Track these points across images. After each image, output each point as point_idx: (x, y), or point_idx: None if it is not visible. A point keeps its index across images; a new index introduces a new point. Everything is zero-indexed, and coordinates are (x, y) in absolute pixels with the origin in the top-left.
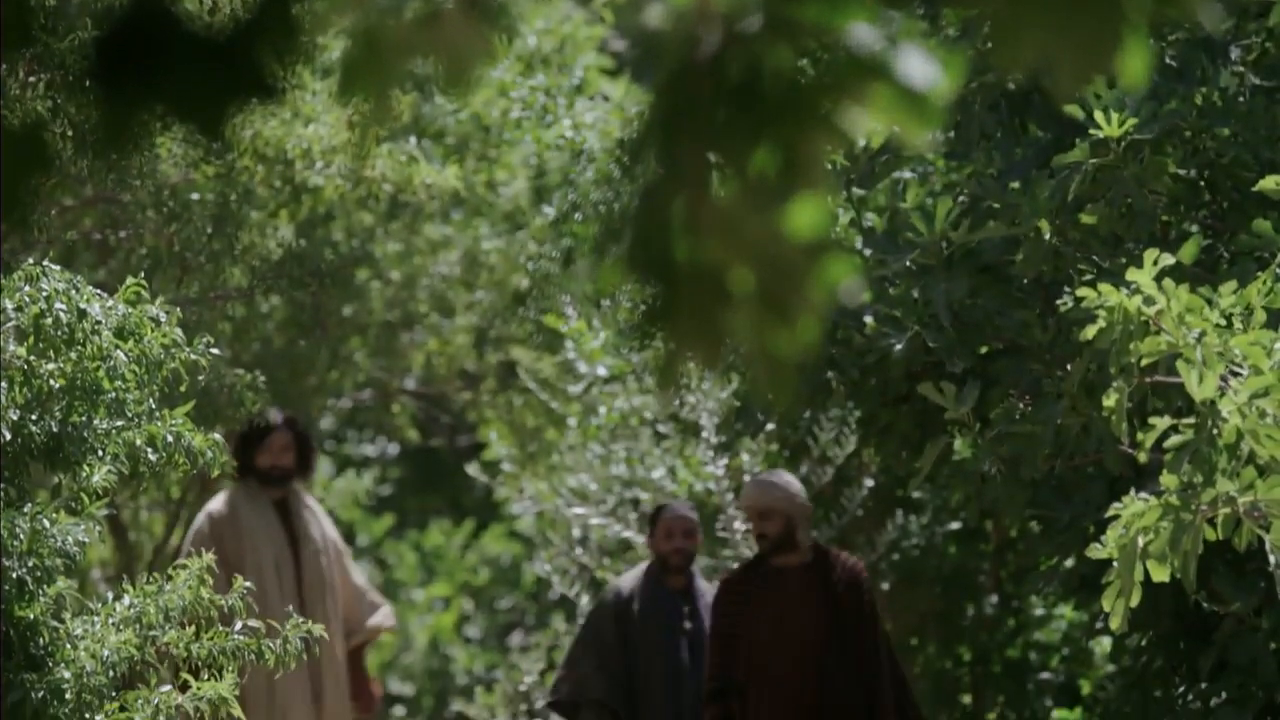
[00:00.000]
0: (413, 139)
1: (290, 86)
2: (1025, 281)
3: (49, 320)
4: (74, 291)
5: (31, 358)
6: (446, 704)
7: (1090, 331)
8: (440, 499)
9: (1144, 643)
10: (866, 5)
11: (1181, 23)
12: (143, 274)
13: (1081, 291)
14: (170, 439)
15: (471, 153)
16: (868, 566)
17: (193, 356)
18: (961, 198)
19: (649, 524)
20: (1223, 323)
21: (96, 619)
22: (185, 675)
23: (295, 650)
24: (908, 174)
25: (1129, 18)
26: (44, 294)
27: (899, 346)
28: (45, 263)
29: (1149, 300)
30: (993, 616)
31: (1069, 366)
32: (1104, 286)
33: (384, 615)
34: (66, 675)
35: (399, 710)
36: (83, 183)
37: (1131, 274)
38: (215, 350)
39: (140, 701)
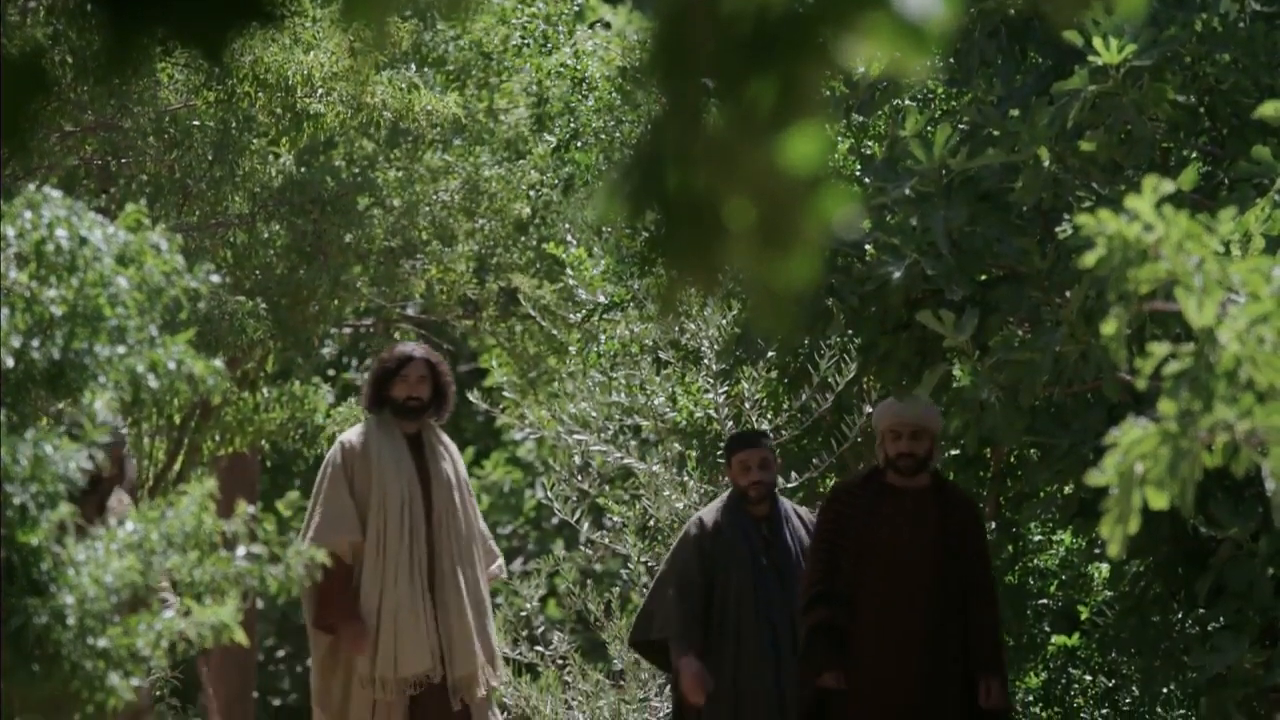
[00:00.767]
0: (413, 66)
1: (290, 12)
2: (1024, 209)
3: (50, 247)
4: (75, 218)
5: (33, 284)
6: None
7: (1089, 259)
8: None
9: (1142, 568)
10: None
11: None
12: (144, 201)
13: (1080, 219)
14: (172, 366)
15: (472, 80)
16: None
17: (193, 284)
18: (961, 125)
19: (725, 457)
20: (1222, 249)
21: (99, 544)
22: (187, 600)
23: (297, 576)
24: (907, 101)
25: None
26: (45, 220)
27: (898, 274)
28: (46, 189)
29: (1148, 227)
30: (991, 542)
31: (1068, 294)
32: (1103, 213)
33: (498, 567)
34: (69, 600)
35: None
36: (84, 109)
37: (1130, 201)
38: (216, 277)
39: (143, 626)
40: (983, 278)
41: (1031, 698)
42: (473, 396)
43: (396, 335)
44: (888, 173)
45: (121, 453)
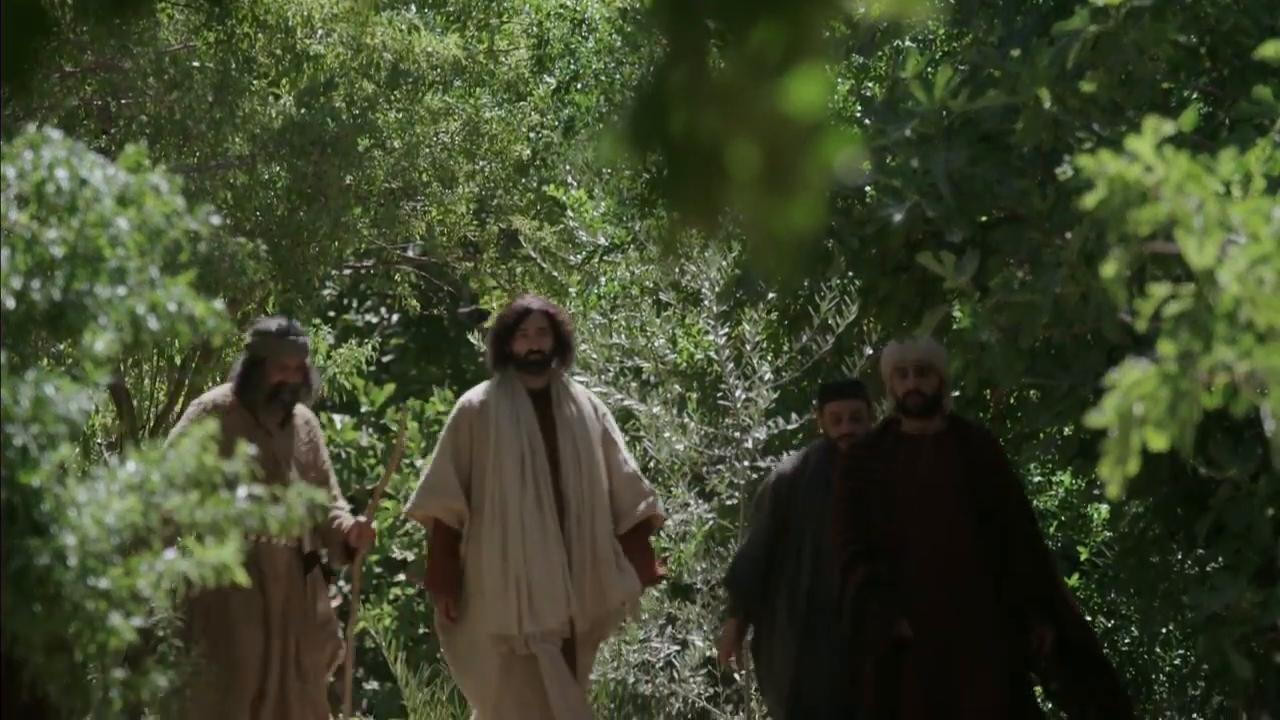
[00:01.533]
0: (413, 7)
1: None
2: (1025, 150)
3: (50, 188)
4: (75, 159)
5: (33, 225)
6: None
7: (1089, 200)
8: (441, 367)
9: (1141, 509)
10: None
11: None
12: (144, 142)
13: (1080, 160)
14: (172, 307)
15: (472, 21)
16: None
17: (194, 225)
18: (961, 66)
19: (817, 405)
20: (1222, 190)
21: (100, 485)
22: (188, 541)
23: (297, 517)
24: (908, 43)
25: None
26: (45, 161)
27: (899, 216)
28: (46, 129)
29: (1148, 168)
30: None
31: (1068, 235)
32: (1103, 154)
33: (649, 505)
34: (70, 541)
35: (400, 577)
36: (84, 49)
37: (1131, 142)
38: (216, 219)
39: (144, 566)
40: (983, 219)
41: None
42: (473, 338)
43: (397, 277)
44: (888, 114)
45: (305, 361)
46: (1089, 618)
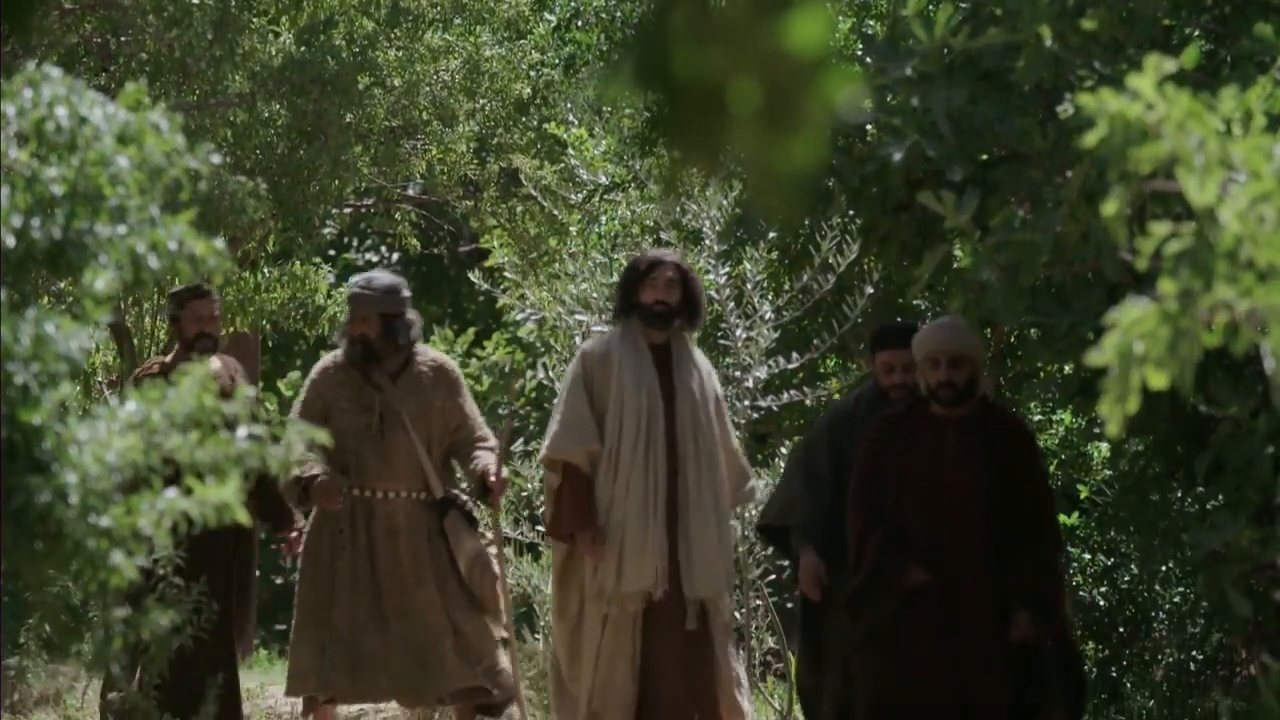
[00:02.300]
0: None
1: None
2: (1025, 88)
3: (50, 126)
4: (75, 97)
5: (33, 163)
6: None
7: (1090, 138)
8: (442, 306)
9: (1141, 447)
10: None
11: None
12: (143, 80)
13: (1081, 98)
14: (173, 246)
15: None
16: (867, 375)
17: (194, 163)
18: (962, 4)
19: (869, 349)
20: (1223, 128)
21: (101, 423)
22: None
23: (298, 455)
24: None
25: None
26: (45, 99)
27: (899, 155)
28: (46, 67)
29: (1149, 106)
30: None
31: (1069, 174)
32: (1104, 93)
33: (749, 489)
34: (71, 479)
35: None
36: None
37: (1132, 80)
38: (216, 157)
39: (145, 505)
40: (983, 158)
41: None
42: (474, 277)
43: (397, 216)
44: (889, 52)
45: (382, 311)
46: (1088, 555)
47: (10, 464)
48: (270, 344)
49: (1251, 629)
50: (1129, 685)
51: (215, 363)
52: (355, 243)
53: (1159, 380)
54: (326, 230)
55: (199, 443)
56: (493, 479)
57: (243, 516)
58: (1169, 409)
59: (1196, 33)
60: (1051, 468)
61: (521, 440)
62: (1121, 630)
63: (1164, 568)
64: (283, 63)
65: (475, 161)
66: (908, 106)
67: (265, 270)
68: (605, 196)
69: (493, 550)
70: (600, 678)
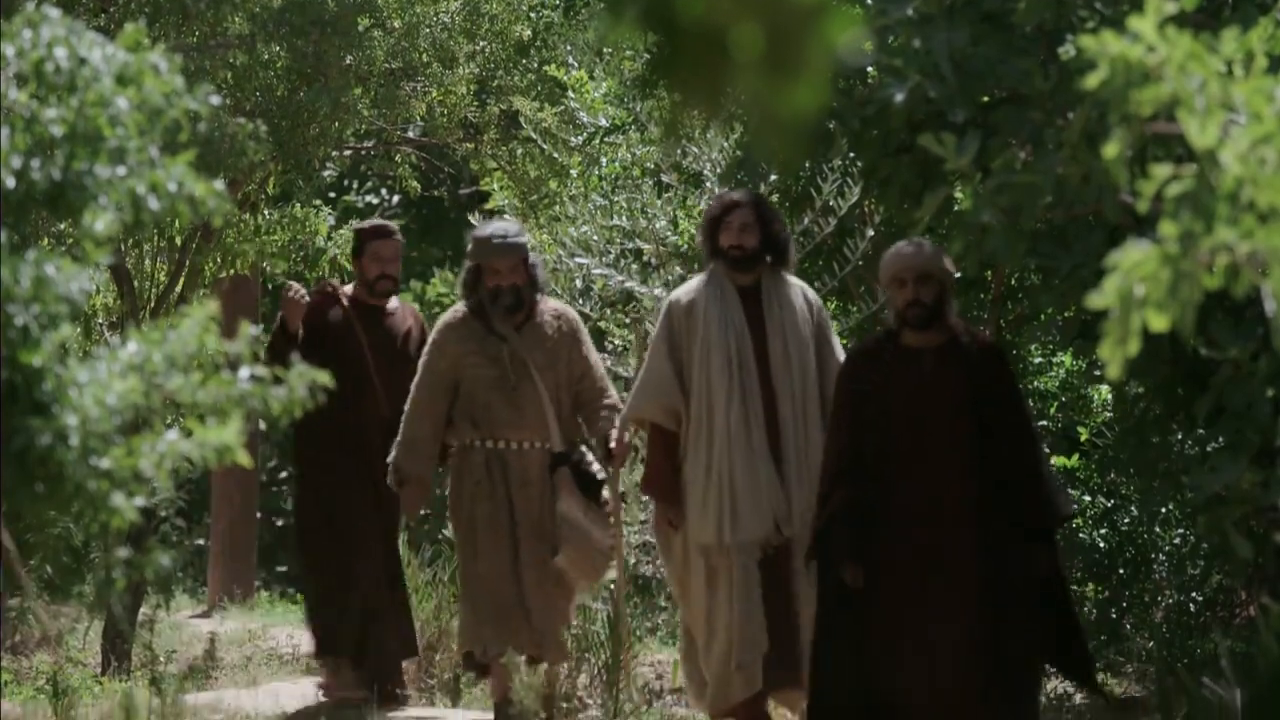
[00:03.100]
0: None
1: None
2: (1027, 30)
3: (50, 66)
4: (74, 38)
5: (33, 104)
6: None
7: (1092, 80)
8: (442, 249)
9: (1142, 390)
10: None
11: None
12: (143, 21)
13: (1083, 40)
14: (173, 187)
15: None
16: (868, 317)
17: (194, 105)
18: None
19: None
20: (1225, 70)
21: (101, 365)
22: (190, 422)
23: (300, 399)
24: None
25: None
26: (44, 40)
27: (900, 97)
28: (45, 8)
29: (1150, 48)
30: None
31: (1070, 116)
32: (1106, 34)
33: None
34: (72, 421)
35: None
36: None
37: (1133, 21)
38: (216, 99)
39: (146, 447)
40: (985, 100)
41: None
42: (474, 220)
43: (397, 158)
44: None
45: (520, 261)
46: (1088, 498)
47: (11, 406)
48: (270, 286)
49: (1251, 571)
50: (1129, 627)
51: (394, 302)
52: (355, 185)
53: (1160, 323)
54: (327, 173)
55: (200, 384)
56: (614, 444)
57: (243, 459)
58: (1170, 351)
59: None
60: (1052, 410)
61: None
62: (1121, 572)
63: (1164, 510)
64: (282, 4)
65: (475, 104)
66: (909, 48)
67: (265, 213)
68: (606, 139)
69: (604, 522)
70: (721, 631)
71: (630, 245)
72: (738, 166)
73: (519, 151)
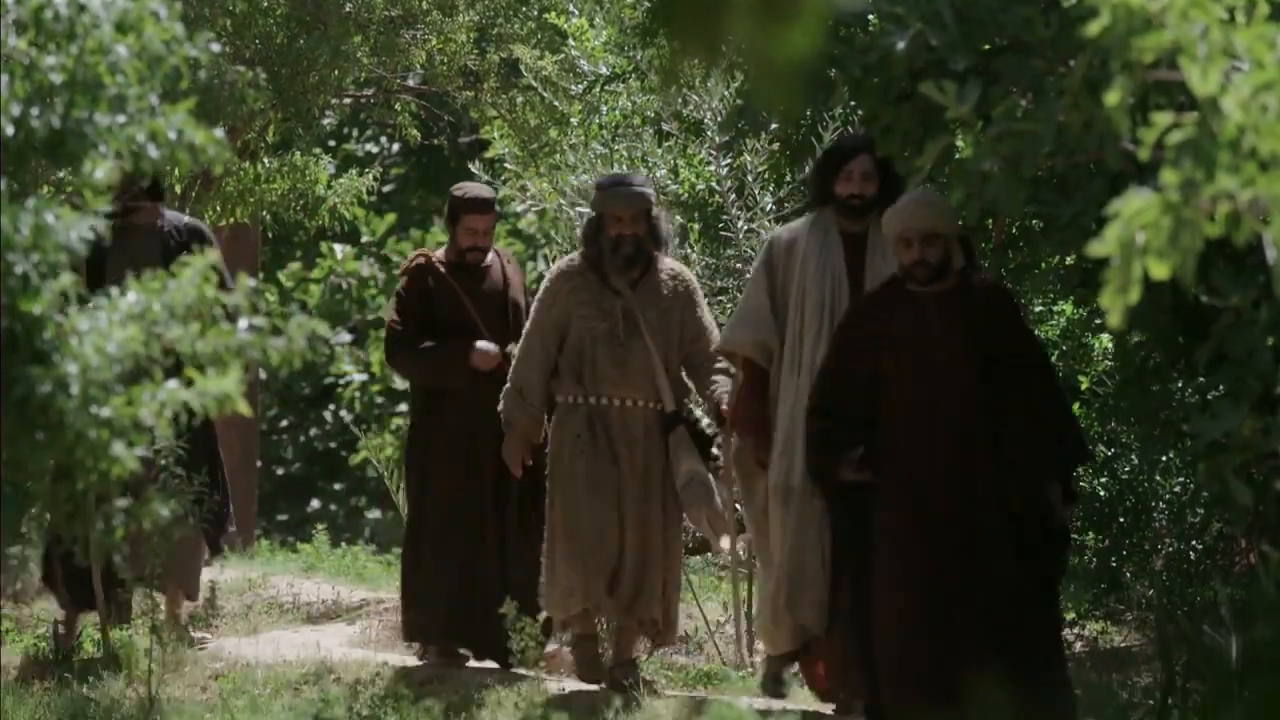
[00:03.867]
0: None
1: None
2: None
3: (49, 14)
4: None
5: (32, 51)
6: None
7: (1093, 27)
8: (442, 197)
9: (1142, 338)
10: None
11: None
12: None
13: None
14: (172, 135)
15: None
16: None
17: (193, 52)
18: None
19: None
20: (1226, 17)
21: (101, 314)
22: (190, 372)
23: (299, 349)
24: None
25: None
26: None
27: (901, 44)
28: None
29: None
30: None
31: (1071, 63)
32: None
33: None
34: (72, 369)
35: (402, 406)
36: None
37: None
38: (216, 46)
39: (146, 395)
40: (986, 47)
41: None
42: (474, 168)
43: (397, 106)
44: None
45: (643, 211)
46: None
47: (11, 354)
48: (270, 235)
49: (1252, 518)
50: (1129, 575)
51: (491, 256)
52: (355, 133)
53: (1160, 270)
54: (326, 121)
55: (200, 334)
56: (726, 408)
57: (243, 408)
58: (1170, 299)
59: None
60: (1053, 358)
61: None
62: (1121, 520)
63: (1164, 458)
64: None
65: (475, 52)
66: None
67: (265, 161)
68: (606, 87)
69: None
70: (790, 571)
71: None
72: (738, 115)
73: (519, 100)
